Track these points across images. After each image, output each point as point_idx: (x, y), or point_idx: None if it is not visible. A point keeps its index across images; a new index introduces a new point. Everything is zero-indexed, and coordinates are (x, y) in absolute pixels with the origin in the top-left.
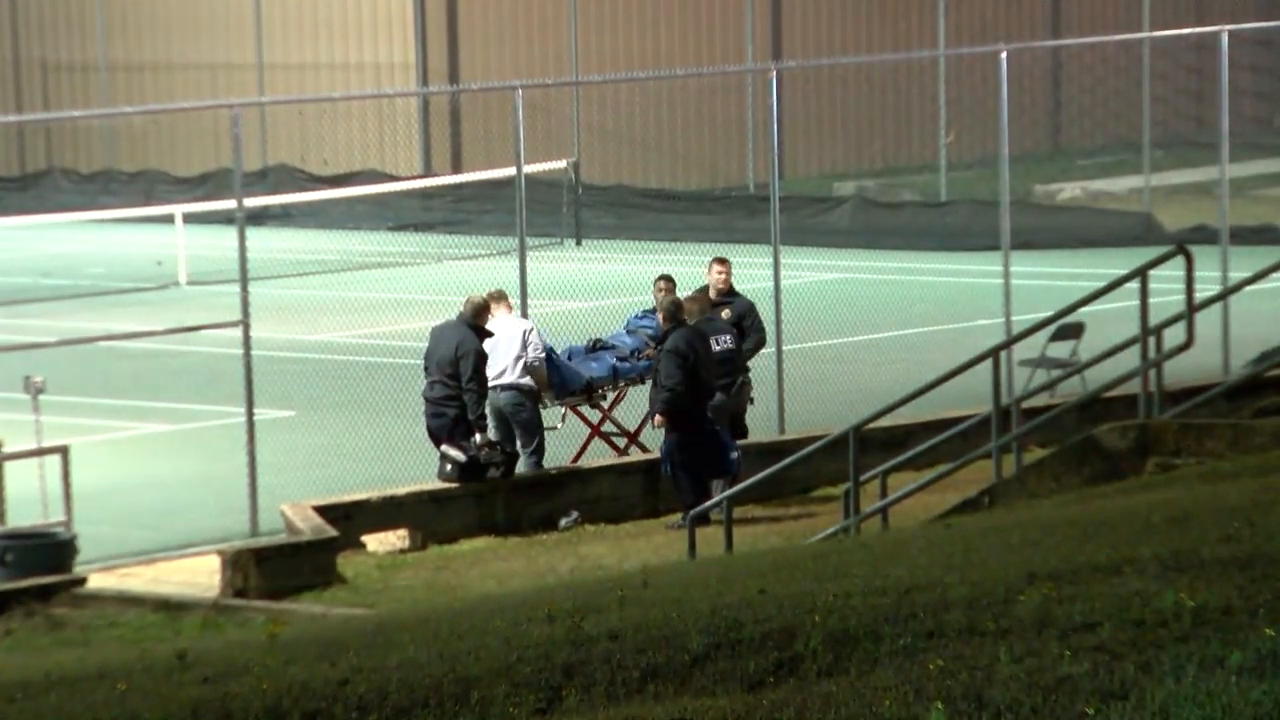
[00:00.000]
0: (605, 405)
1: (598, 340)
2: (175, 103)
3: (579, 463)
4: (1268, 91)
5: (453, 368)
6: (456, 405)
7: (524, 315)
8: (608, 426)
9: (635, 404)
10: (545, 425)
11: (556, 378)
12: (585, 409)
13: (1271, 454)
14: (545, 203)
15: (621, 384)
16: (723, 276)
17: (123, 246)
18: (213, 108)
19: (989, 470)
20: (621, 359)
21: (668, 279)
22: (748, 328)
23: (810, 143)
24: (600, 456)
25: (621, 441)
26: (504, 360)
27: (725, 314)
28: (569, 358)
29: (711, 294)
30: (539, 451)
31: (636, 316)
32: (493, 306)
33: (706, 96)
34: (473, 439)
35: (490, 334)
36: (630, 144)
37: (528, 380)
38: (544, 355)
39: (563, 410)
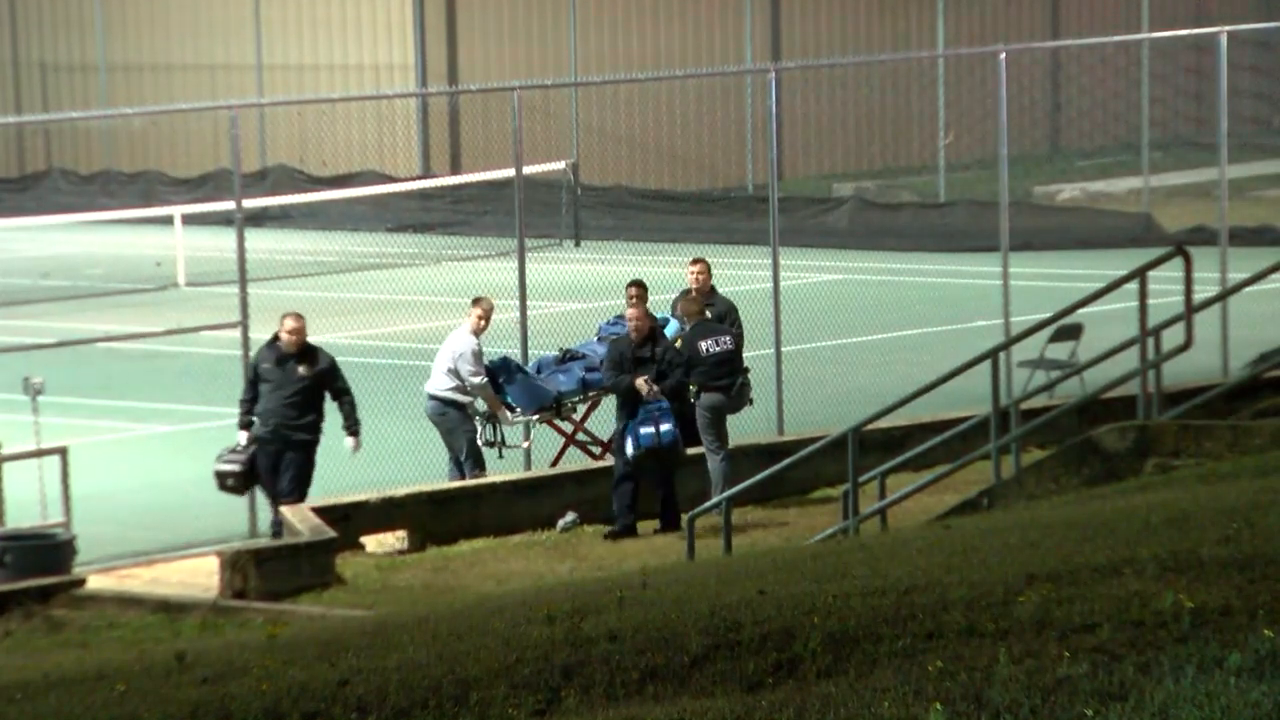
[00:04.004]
0: (577, 418)
1: (568, 351)
2: (174, 104)
3: (583, 464)
4: (1267, 93)
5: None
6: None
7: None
8: (582, 436)
9: (608, 413)
10: (514, 444)
11: (527, 395)
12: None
13: (1270, 455)
14: (544, 204)
15: (592, 395)
16: (699, 278)
17: (122, 248)
18: (212, 109)
19: (988, 471)
20: (591, 369)
21: (639, 284)
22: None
23: (809, 144)
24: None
25: (596, 450)
26: (434, 371)
27: (706, 315)
28: (538, 370)
29: None
30: (472, 457)
31: (609, 323)
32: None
33: (706, 97)
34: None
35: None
36: (629, 145)
37: (449, 392)
38: (483, 380)
39: (529, 427)
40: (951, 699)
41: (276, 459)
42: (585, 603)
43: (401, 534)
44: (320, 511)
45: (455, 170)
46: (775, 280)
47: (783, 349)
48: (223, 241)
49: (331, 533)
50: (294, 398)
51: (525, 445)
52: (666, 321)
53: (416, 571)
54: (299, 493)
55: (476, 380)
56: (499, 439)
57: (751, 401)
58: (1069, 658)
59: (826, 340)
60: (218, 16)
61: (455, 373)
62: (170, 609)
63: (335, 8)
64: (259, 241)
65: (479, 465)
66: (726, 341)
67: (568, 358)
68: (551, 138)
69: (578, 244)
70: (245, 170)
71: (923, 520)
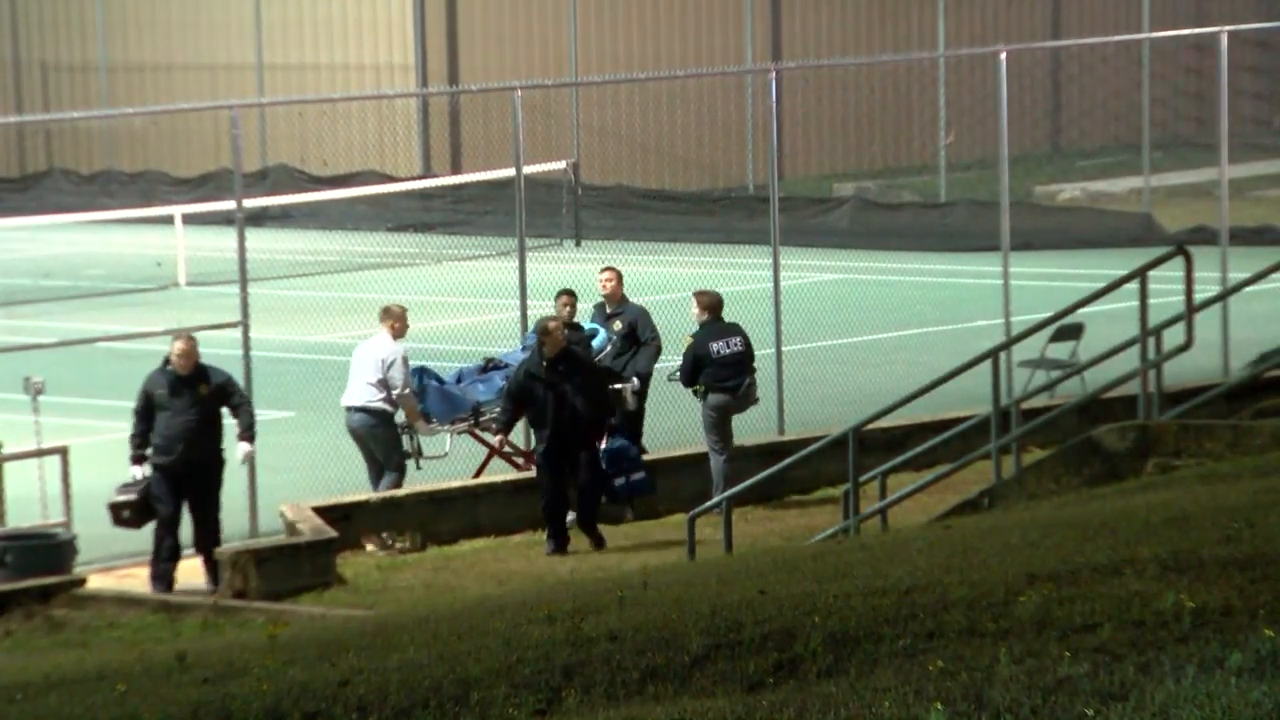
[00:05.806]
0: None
1: (490, 360)
2: (175, 104)
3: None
4: (1267, 92)
5: None
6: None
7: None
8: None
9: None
10: (434, 454)
11: (444, 405)
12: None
13: (1271, 455)
14: (545, 203)
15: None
16: (610, 286)
17: (122, 248)
18: (212, 109)
19: (988, 471)
20: None
21: (570, 293)
22: (642, 335)
23: (810, 144)
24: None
25: (520, 460)
26: (358, 383)
27: (618, 325)
28: (458, 379)
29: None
30: (400, 469)
31: (535, 331)
32: (381, 323)
33: (706, 97)
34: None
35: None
36: (630, 145)
37: (378, 403)
38: (408, 391)
39: (448, 437)
40: (952, 699)
41: (187, 483)
42: (586, 603)
43: (402, 534)
44: (321, 511)
45: (456, 170)
46: (776, 280)
47: (783, 349)
48: (223, 241)
49: (332, 532)
50: (197, 419)
51: (444, 454)
52: (595, 333)
53: (417, 571)
54: (217, 515)
55: (406, 390)
56: (415, 449)
57: (757, 400)
58: (1070, 658)
59: (827, 340)
60: (218, 16)
61: (383, 383)
62: (170, 609)
63: (335, 8)
64: (260, 241)
65: (401, 479)
66: (737, 343)
67: (490, 366)
68: (552, 137)
69: (578, 244)
70: (246, 170)
71: (923, 520)
